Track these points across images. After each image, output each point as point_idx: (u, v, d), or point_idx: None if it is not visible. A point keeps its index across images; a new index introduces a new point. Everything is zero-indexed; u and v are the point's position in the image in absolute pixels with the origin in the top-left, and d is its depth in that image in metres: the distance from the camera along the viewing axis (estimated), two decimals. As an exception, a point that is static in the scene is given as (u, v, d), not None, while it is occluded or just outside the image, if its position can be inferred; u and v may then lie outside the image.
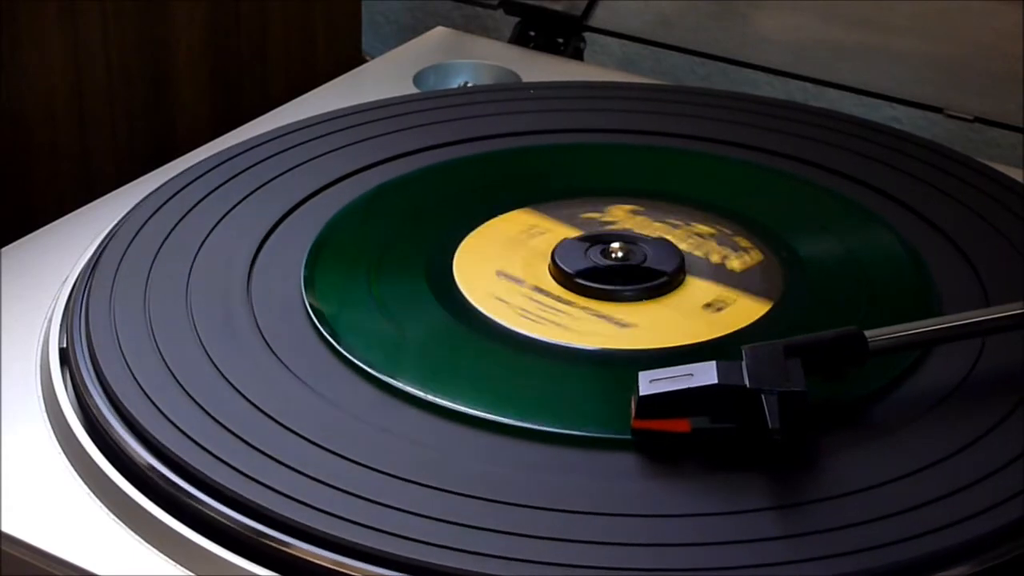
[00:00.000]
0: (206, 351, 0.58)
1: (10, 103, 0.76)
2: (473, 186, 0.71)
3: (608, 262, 0.63)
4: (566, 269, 0.63)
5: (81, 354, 0.58)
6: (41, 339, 0.61)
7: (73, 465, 0.54)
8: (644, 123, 0.76)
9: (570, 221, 0.67)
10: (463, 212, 0.68)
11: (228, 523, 0.50)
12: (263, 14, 0.88)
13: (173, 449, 0.53)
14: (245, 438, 0.53)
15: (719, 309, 0.62)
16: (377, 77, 0.85)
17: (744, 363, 0.54)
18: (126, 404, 0.55)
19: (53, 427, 0.56)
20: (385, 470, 0.52)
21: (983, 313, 0.58)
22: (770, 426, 0.52)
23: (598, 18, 0.92)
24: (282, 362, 0.58)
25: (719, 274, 0.64)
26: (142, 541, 0.51)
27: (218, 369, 0.57)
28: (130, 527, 0.52)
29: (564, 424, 0.55)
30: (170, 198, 0.68)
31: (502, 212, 0.68)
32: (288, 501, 0.51)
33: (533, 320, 0.61)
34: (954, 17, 0.84)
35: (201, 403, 0.55)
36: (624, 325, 0.61)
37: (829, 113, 0.79)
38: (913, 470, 0.53)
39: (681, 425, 0.53)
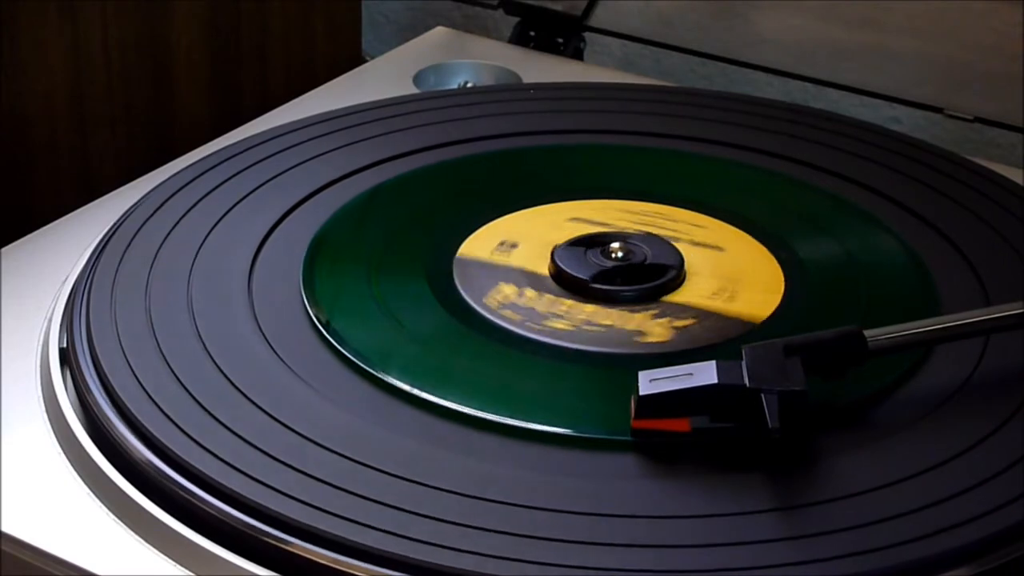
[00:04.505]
0: (207, 350, 0.58)
1: (10, 103, 0.76)
2: (473, 186, 0.71)
3: (608, 262, 0.64)
4: (565, 269, 0.63)
5: (82, 354, 0.58)
6: (41, 339, 0.61)
7: (73, 465, 0.54)
8: (644, 123, 0.76)
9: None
10: (463, 212, 0.68)
11: (229, 522, 0.50)
12: (263, 14, 0.88)
13: (174, 448, 0.53)
14: (246, 437, 0.53)
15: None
16: (377, 77, 0.85)
17: (744, 362, 0.54)
18: (127, 403, 0.55)
19: (53, 427, 0.56)
20: (385, 469, 0.52)
21: (983, 312, 0.58)
22: (769, 426, 0.52)
23: (598, 18, 0.92)
24: (283, 361, 0.58)
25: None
26: (142, 541, 0.51)
27: (219, 368, 0.57)
28: (130, 527, 0.52)
29: (564, 424, 0.55)
30: (170, 197, 0.68)
31: (502, 212, 0.68)
32: (289, 500, 0.50)
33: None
34: (954, 17, 0.84)
35: (202, 402, 0.55)
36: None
37: (828, 115, 0.79)
38: (914, 472, 0.52)
39: (681, 425, 0.53)
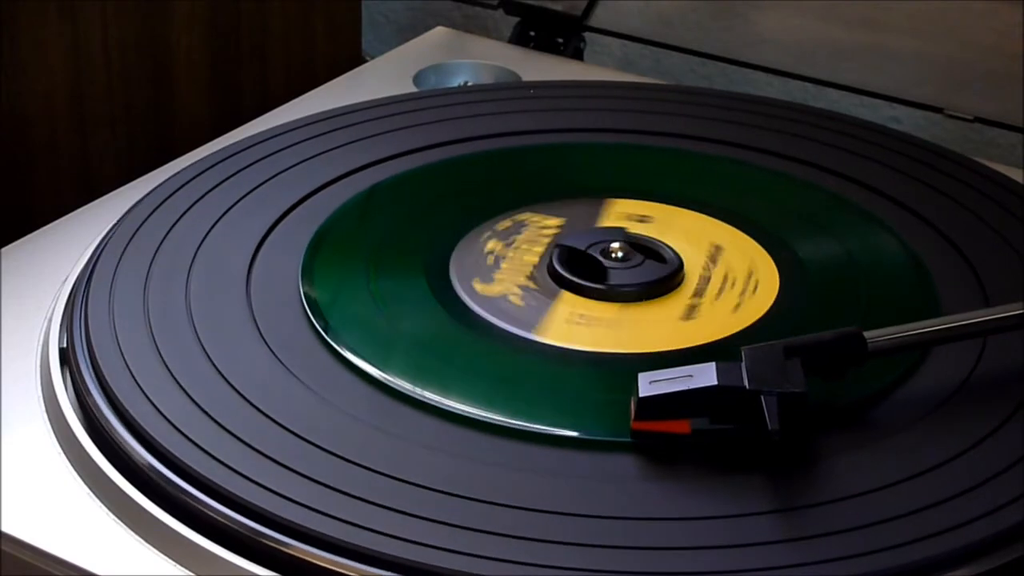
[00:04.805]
0: (205, 351, 0.58)
1: (10, 103, 0.76)
2: (472, 185, 0.71)
3: (607, 262, 0.64)
4: (565, 268, 0.63)
5: (81, 354, 0.58)
6: (41, 339, 0.61)
7: (73, 465, 0.54)
8: (644, 123, 0.76)
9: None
10: (462, 211, 0.68)
11: (228, 523, 0.50)
12: (263, 14, 0.88)
13: (172, 449, 0.53)
14: (244, 439, 0.53)
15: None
16: (377, 77, 0.85)
17: (743, 364, 0.54)
18: (126, 404, 0.55)
19: (53, 427, 0.56)
20: (384, 471, 0.52)
21: (983, 313, 0.58)
22: (769, 427, 0.52)
23: (598, 18, 0.92)
24: (281, 362, 0.58)
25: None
26: (142, 541, 0.51)
27: (217, 369, 0.57)
28: (130, 527, 0.52)
29: (563, 425, 0.55)
30: (169, 197, 0.68)
31: (502, 211, 0.68)
32: (287, 502, 0.50)
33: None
34: (954, 17, 0.84)
35: (200, 403, 0.55)
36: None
37: (829, 114, 0.79)
38: (913, 473, 0.52)
39: (681, 426, 0.53)
